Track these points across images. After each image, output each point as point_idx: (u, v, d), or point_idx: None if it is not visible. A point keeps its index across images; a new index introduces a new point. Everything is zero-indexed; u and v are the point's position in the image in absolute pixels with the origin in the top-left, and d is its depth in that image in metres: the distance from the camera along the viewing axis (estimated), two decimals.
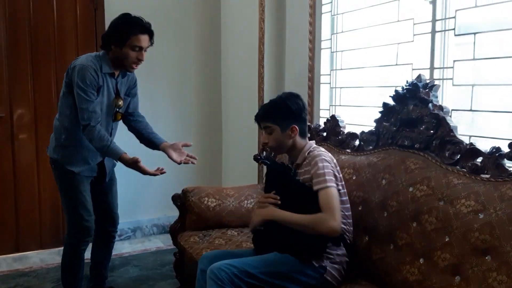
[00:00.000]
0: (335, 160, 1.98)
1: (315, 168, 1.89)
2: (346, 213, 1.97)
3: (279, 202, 1.94)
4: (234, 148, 3.97)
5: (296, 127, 1.97)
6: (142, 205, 3.91)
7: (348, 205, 1.99)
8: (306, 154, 1.98)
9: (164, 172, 2.27)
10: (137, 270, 3.20)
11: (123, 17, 2.32)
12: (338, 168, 1.98)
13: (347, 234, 1.96)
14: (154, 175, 2.27)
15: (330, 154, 1.98)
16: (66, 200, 2.45)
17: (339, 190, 1.91)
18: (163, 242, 3.76)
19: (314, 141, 2.11)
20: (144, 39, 2.30)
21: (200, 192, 2.64)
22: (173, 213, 3.05)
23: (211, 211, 2.60)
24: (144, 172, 2.26)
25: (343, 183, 1.98)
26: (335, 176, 1.91)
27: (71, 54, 3.45)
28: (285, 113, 1.97)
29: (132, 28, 2.27)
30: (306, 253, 1.87)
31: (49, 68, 3.42)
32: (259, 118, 2.03)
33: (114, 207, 2.64)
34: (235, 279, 1.78)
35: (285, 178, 2.00)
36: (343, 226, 1.91)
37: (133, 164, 2.23)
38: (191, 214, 2.61)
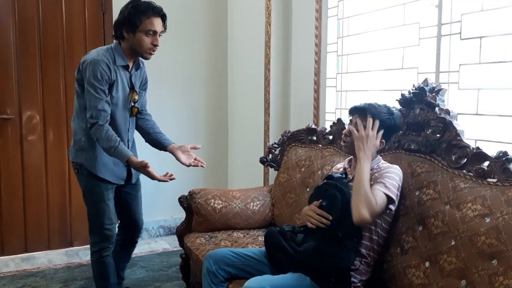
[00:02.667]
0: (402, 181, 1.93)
1: (385, 172, 1.87)
2: (380, 240, 1.93)
3: (328, 222, 1.85)
4: (240, 150, 3.98)
5: (384, 142, 1.94)
6: (149, 207, 3.91)
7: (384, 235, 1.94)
8: (375, 165, 1.94)
9: (173, 179, 2.20)
10: (143, 271, 3.22)
11: (133, 1, 2.23)
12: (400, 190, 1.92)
13: (368, 258, 1.92)
14: (163, 181, 2.19)
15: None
16: (89, 207, 2.39)
17: (391, 210, 1.87)
18: (169, 244, 3.78)
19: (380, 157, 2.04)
20: (157, 22, 2.21)
21: (206, 194, 2.65)
22: (179, 215, 3.07)
23: (217, 213, 2.61)
24: (152, 177, 2.18)
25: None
26: (398, 188, 1.86)
27: (79, 57, 3.46)
28: (388, 125, 1.92)
29: (143, 11, 2.18)
30: (332, 285, 1.83)
31: (57, 71, 3.46)
32: (362, 111, 1.92)
33: (140, 214, 2.60)
34: None
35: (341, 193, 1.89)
36: (367, 251, 1.89)
37: (142, 168, 2.17)
38: (197, 215, 2.63)
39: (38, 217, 3.50)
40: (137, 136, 2.57)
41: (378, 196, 1.80)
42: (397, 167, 1.93)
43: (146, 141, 2.56)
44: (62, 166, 3.54)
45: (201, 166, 2.43)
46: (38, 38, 3.38)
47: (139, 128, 2.54)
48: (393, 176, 1.87)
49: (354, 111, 1.97)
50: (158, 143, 2.51)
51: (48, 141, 3.48)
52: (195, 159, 2.42)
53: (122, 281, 2.72)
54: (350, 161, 2.09)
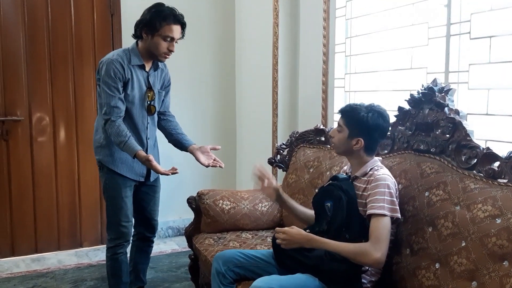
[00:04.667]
0: (397, 185, 1.91)
1: (375, 190, 1.82)
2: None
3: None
4: (248, 151, 3.99)
5: (362, 141, 1.90)
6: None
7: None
8: (368, 169, 1.92)
9: (176, 173, 2.24)
10: (152, 272, 3.23)
11: (156, 5, 2.31)
12: (397, 193, 1.90)
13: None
14: (166, 174, 2.24)
15: (394, 179, 1.89)
16: (107, 203, 2.45)
17: (397, 219, 1.85)
18: (178, 245, 3.79)
19: (380, 158, 2.03)
20: (176, 29, 2.29)
21: (215, 195, 2.66)
22: (188, 216, 3.08)
23: (226, 214, 2.62)
24: (156, 170, 2.24)
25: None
26: (393, 202, 1.82)
27: (88, 59, 3.52)
28: (360, 123, 1.90)
29: (165, 17, 2.25)
30: (342, 286, 1.82)
31: (67, 73, 3.48)
32: (340, 113, 1.98)
33: (155, 215, 2.65)
34: None
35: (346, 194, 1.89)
36: None
37: (146, 162, 2.23)
38: (206, 216, 2.64)
39: (48, 218, 3.52)
40: (161, 137, 2.63)
41: (379, 224, 1.77)
42: (385, 176, 1.86)
43: (169, 141, 2.63)
44: (72, 167, 3.57)
45: (219, 166, 2.46)
46: (47, 40, 3.41)
47: (162, 128, 2.62)
48: (383, 191, 1.81)
49: (339, 112, 2.00)
50: (179, 143, 2.57)
51: (58, 142, 3.51)
52: (214, 160, 2.46)
53: (143, 285, 2.73)
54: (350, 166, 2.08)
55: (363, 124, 1.90)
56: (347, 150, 1.97)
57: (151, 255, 2.75)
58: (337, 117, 3.07)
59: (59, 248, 3.57)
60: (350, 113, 1.93)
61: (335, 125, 2.90)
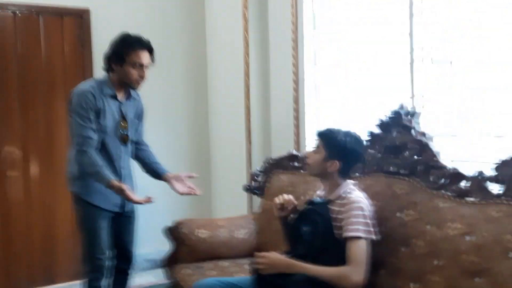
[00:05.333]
0: (370, 207, 1.92)
1: (349, 213, 1.85)
2: None
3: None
4: (223, 178, 3.99)
5: (338, 164, 1.93)
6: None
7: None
8: (341, 192, 1.95)
9: (150, 202, 2.21)
10: None
11: (121, 35, 2.32)
12: (371, 214, 1.91)
13: None
14: (139, 203, 2.23)
15: (367, 201, 1.92)
16: (82, 235, 2.40)
17: (372, 240, 1.86)
18: (155, 277, 3.71)
19: (352, 181, 2.03)
20: (143, 55, 2.29)
21: (192, 224, 2.65)
22: (164, 247, 3.03)
23: (203, 242, 2.60)
24: (129, 199, 2.22)
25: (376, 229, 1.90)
26: (368, 224, 1.84)
27: (59, 91, 3.48)
28: (338, 146, 1.93)
29: (131, 44, 2.27)
30: None
31: (37, 105, 3.43)
32: (319, 135, 2.02)
33: (130, 246, 2.59)
34: None
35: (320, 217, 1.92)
36: None
37: (119, 191, 2.21)
38: (183, 246, 2.61)
39: (21, 254, 3.40)
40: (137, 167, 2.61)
41: (356, 248, 1.79)
42: (359, 198, 1.90)
43: (145, 172, 2.61)
44: (46, 201, 3.48)
45: (194, 194, 2.45)
46: (18, 73, 3.35)
47: (137, 158, 2.60)
48: (358, 213, 1.84)
49: (317, 135, 2.05)
50: (154, 172, 2.56)
51: (31, 176, 3.43)
52: (189, 187, 2.45)
53: None
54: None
55: (341, 147, 1.94)
56: (321, 172, 2.00)
57: None
58: (310, 142, 3.16)
59: (33, 285, 3.42)
60: (329, 135, 1.98)
61: (308, 149, 2.97)
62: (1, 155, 3.34)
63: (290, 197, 2.10)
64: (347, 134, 1.97)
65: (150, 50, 2.34)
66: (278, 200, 2.08)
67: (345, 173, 1.99)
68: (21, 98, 3.39)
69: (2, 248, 3.36)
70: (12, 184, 3.39)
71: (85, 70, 3.55)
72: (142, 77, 2.32)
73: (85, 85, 2.32)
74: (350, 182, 2.02)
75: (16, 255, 3.40)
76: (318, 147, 2.00)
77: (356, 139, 1.98)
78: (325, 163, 1.96)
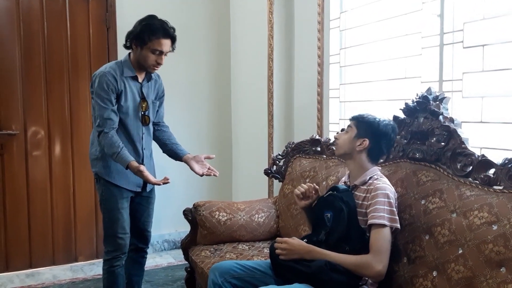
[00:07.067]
0: (396, 195, 1.90)
1: (375, 200, 1.82)
2: None
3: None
4: (244, 162, 3.98)
5: (367, 142, 1.91)
6: (153, 220, 3.92)
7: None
8: (368, 178, 1.92)
9: (168, 182, 2.22)
10: (148, 286, 3.19)
11: (148, 18, 2.31)
12: (397, 203, 1.88)
13: None
14: (157, 184, 2.24)
15: (393, 189, 1.89)
16: (104, 215, 2.44)
17: (396, 229, 1.83)
18: (174, 258, 3.76)
19: (380, 167, 2.03)
20: (165, 43, 2.30)
21: (211, 207, 2.65)
22: (184, 229, 3.06)
23: (222, 225, 2.60)
24: (147, 180, 2.24)
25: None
26: (393, 212, 1.81)
27: (83, 72, 3.52)
28: (371, 125, 1.92)
29: (154, 31, 2.26)
30: None
31: (62, 86, 3.48)
32: (352, 117, 2.01)
33: (148, 226, 2.63)
34: None
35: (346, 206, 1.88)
36: None
37: (138, 172, 2.23)
38: (202, 228, 2.62)
39: (42, 232, 3.49)
40: (156, 148, 2.62)
41: (380, 235, 1.77)
42: (385, 185, 1.87)
43: (163, 152, 2.62)
44: (67, 181, 3.54)
45: (213, 175, 2.45)
46: (43, 54, 3.41)
47: (156, 139, 2.61)
48: (383, 200, 1.81)
49: (351, 118, 2.03)
50: (173, 153, 2.57)
51: (53, 156, 3.49)
52: (208, 169, 2.46)
53: None
54: (349, 175, 2.08)
55: (373, 127, 1.92)
56: (349, 152, 1.96)
57: (147, 269, 2.72)
58: (333, 127, 3.11)
59: (54, 263, 3.52)
60: (363, 116, 1.97)
61: (331, 135, 2.92)
62: (27, 135, 3.41)
63: (310, 184, 2.07)
64: (383, 119, 1.96)
65: (173, 39, 2.34)
66: (298, 190, 2.06)
67: (373, 157, 1.95)
68: (46, 79, 3.44)
69: (25, 226, 3.44)
70: (36, 164, 3.45)
71: (110, 51, 3.58)
72: (159, 63, 2.33)
73: (106, 67, 2.34)
74: (377, 168, 1.98)
75: (38, 233, 3.49)
76: (350, 126, 1.98)
77: (391, 124, 1.97)
78: (355, 141, 1.93)
